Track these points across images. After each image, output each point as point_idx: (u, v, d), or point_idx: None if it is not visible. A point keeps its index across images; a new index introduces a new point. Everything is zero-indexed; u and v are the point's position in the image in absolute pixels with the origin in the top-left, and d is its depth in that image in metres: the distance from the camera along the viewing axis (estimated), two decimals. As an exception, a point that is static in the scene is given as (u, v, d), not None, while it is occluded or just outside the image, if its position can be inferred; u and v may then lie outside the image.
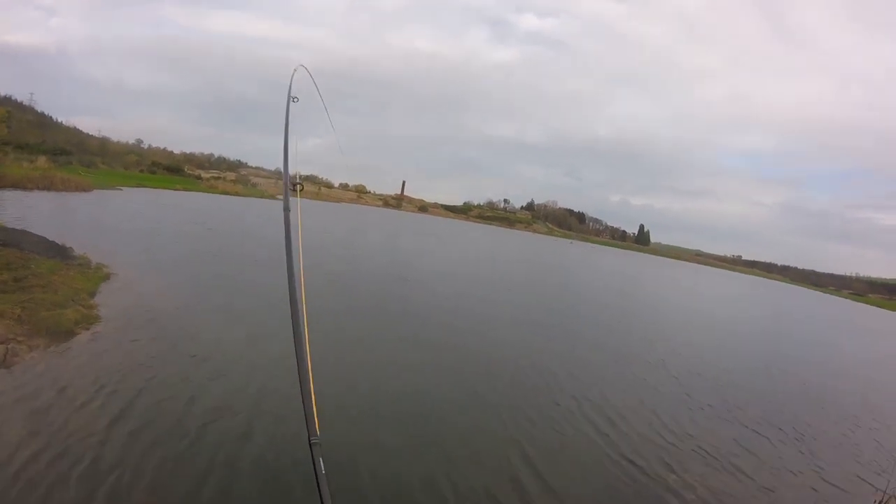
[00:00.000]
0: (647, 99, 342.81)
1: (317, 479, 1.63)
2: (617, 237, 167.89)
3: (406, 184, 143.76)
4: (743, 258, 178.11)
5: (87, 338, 8.81)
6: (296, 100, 3.70)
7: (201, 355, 8.99)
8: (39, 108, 67.52)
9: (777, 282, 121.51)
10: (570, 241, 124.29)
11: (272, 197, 69.04)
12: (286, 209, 2.58)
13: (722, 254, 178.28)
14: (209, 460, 5.82)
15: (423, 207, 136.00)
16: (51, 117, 69.36)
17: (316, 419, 1.79)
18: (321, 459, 1.68)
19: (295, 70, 4.13)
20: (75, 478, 5.07)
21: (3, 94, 62.75)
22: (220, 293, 13.48)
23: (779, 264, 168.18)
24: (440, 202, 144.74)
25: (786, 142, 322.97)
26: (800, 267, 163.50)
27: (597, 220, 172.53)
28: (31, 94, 67.35)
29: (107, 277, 12.60)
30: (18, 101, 65.58)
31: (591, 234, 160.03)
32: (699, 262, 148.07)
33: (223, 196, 58.13)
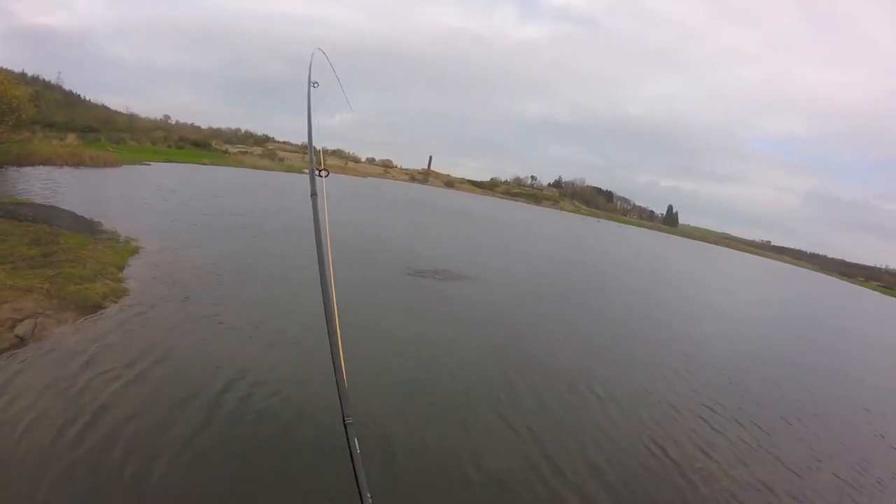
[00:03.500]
0: (678, 79, 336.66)
1: (352, 458, 1.68)
2: (645, 217, 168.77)
3: (433, 159, 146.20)
4: (772, 244, 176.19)
5: (116, 311, 9.21)
6: (316, 84, 3.80)
7: (228, 327, 9.32)
8: (67, 87, 70.11)
9: (806, 269, 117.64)
10: (597, 219, 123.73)
11: (299, 171, 70.85)
12: (313, 194, 2.66)
13: (751, 238, 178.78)
14: (230, 435, 6.06)
15: (450, 183, 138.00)
16: (79, 96, 72.11)
17: (343, 400, 1.86)
18: (356, 439, 1.73)
19: (313, 54, 4.18)
20: (99, 449, 5.36)
21: (31, 74, 65.31)
22: (248, 267, 13.81)
23: (808, 252, 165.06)
24: (467, 178, 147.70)
25: (817, 128, 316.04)
26: (829, 255, 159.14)
27: (625, 200, 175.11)
28: (59, 73, 69.90)
29: (135, 251, 13.06)
30: (46, 80, 68.21)
31: (619, 214, 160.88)
32: (728, 246, 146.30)
33: (250, 170, 59.25)
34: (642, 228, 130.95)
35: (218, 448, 5.75)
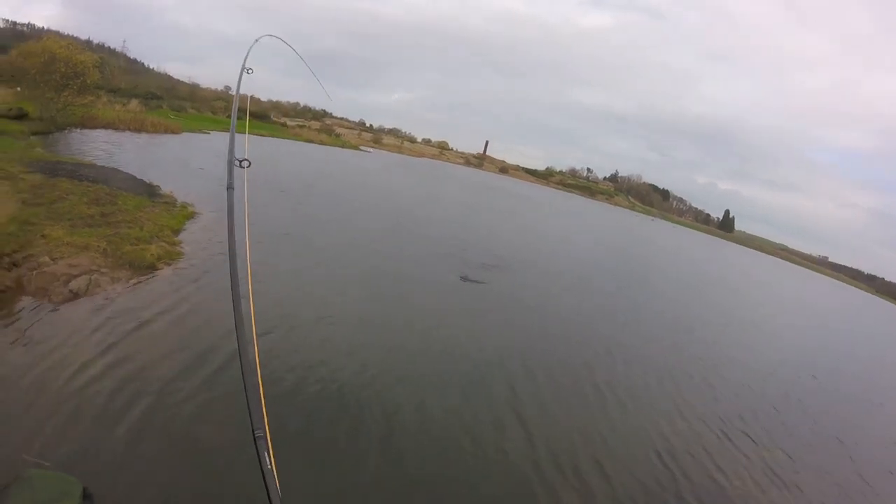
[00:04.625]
0: (743, 79, 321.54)
1: (263, 474, 1.55)
2: (700, 220, 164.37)
3: (489, 144, 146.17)
4: (829, 260, 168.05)
5: (169, 273, 9.43)
6: (250, 71, 3.87)
7: (277, 298, 9.42)
8: (132, 56, 72.89)
9: (862, 291, 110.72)
10: (651, 218, 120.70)
11: (355, 147, 71.77)
12: (229, 188, 2.47)
13: (808, 252, 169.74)
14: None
15: (504, 169, 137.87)
16: (143, 63, 74.89)
17: (265, 412, 1.73)
18: (266, 454, 1.61)
19: (256, 40, 4.25)
20: (141, 405, 5.54)
21: (97, 41, 68.19)
22: (302, 238, 13.90)
23: (865, 272, 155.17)
24: (521, 165, 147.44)
25: (886, 143, 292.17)
26: (887, 279, 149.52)
27: (681, 200, 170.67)
28: (124, 41, 72.58)
29: (191, 216, 13.33)
30: (112, 48, 71.12)
31: (674, 214, 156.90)
32: (784, 258, 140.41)
33: (307, 144, 60.16)
34: (697, 231, 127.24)
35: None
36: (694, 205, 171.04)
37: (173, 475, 4.74)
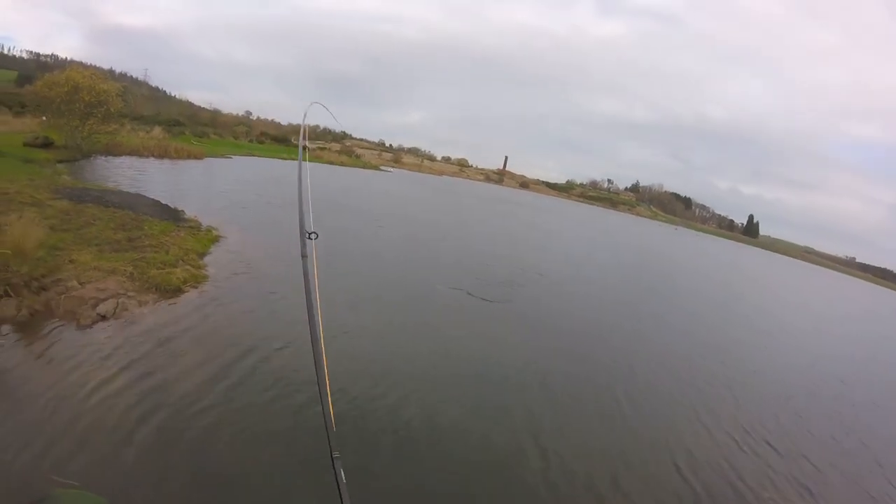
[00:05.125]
0: (761, 80, 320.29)
1: (339, 490, 1.74)
2: (724, 226, 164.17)
3: (508, 159, 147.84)
4: (857, 260, 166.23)
5: (194, 296, 9.58)
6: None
7: (302, 322, 9.38)
8: (153, 84, 75.14)
9: (892, 291, 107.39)
10: (674, 227, 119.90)
11: (375, 168, 72.79)
12: (304, 256, 2.71)
13: (834, 253, 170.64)
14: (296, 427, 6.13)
15: (525, 184, 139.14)
16: (164, 91, 77.03)
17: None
18: (342, 470, 1.81)
19: (310, 104, 4.54)
20: (162, 426, 5.61)
21: (119, 70, 70.43)
22: (330, 262, 13.95)
23: (894, 271, 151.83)
24: (542, 179, 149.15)
25: None
26: None
27: (703, 207, 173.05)
28: (146, 70, 74.79)
29: (216, 240, 13.54)
30: (134, 77, 73.36)
31: (697, 222, 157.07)
32: (810, 261, 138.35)
33: (328, 165, 60.94)
34: (721, 238, 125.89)
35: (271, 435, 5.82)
36: (717, 211, 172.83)
37: (197, 494, 4.83)
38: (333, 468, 1.81)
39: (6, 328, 7.05)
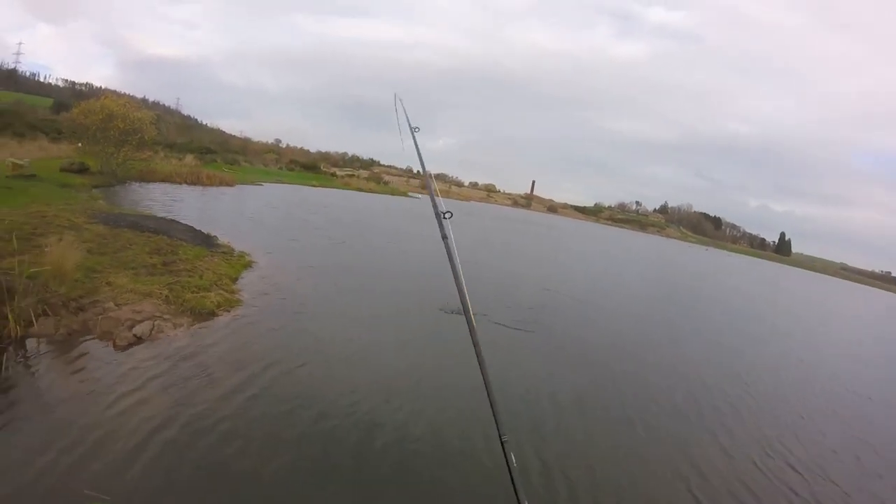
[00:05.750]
0: (786, 93, 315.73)
1: (511, 474, 1.93)
2: (756, 245, 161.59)
3: (535, 184, 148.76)
4: (893, 275, 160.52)
5: (228, 320, 9.74)
6: (417, 129, 4.30)
7: (337, 345, 9.69)
8: (185, 112, 77.56)
9: None
10: (705, 247, 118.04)
11: (404, 194, 73.64)
12: (444, 237, 3.00)
13: (868, 268, 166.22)
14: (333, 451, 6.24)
15: (553, 208, 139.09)
16: (196, 119, 79.42)
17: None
18: (513, 455, 2.00)
19: (400, 100, 4.45)
20: (203, 449, 5.69)
21: (152, 99, 72.87)
22: (361, 290, 14.11)
23: None
24: (569, 202, 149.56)
25: None
26: None
27: (733, 226, 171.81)
28: (178, 99, 77.43)
29: (249, 265, 13.77)
30: (167, 105, 75.85)
31: (728, 241, 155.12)
32: (844, 277, 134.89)
33: (357, 192, 61.66)
34: (753, 258, 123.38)
35: (311, 464, 5.88)
36: (747, 230, 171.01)
37: None
38: (504, 451, 2.00)
39: (45, 346, 7.28)
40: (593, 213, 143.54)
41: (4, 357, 6.65)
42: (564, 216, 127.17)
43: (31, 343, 7.27)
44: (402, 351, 10.10)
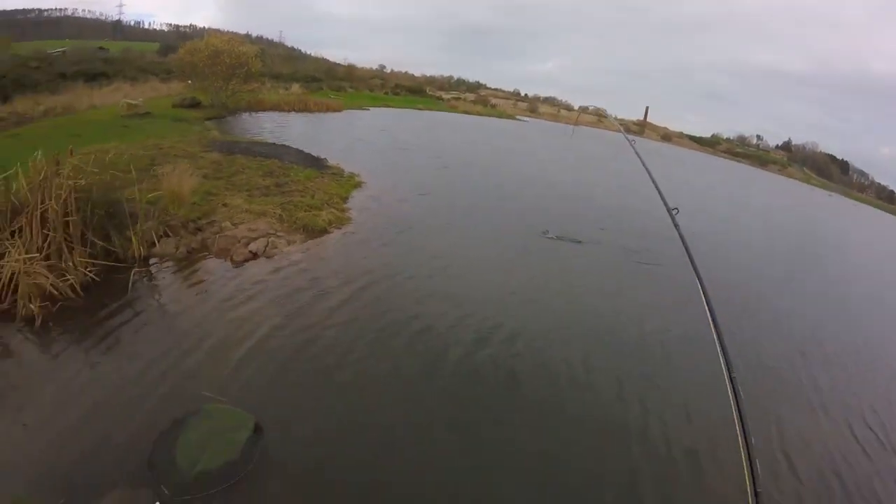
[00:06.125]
0: None
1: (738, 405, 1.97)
2: (884, 197, 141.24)
3: (649, 110, 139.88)
4: None
5: (338, 236, 9.96)
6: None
7: (442, 263, 9.68)
8: (289, 45, 78.66)
9: None
10: (828, 193, 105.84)
11: (511, 117, 71.81)
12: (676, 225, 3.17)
13: None
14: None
15: (667, 136, 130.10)
16: (300, 50, 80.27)
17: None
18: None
19: None
20: (310, 358, 5.95)
21: (255, 34, 74.54)
22: (466, 211, 13.91)
23: None
24: (684, 132, 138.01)
25: None
26: None
27: (862, 174, 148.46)
28: (280, 32, 78.53)
29: (358, 185, 13.88)
30: (270, 39, 77.28)
31: (854, 188, 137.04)
32: None
33: (464, 115, 60.73)
34: (880, 210, 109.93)
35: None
36: (877, 179, 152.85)
37: (332, 416, 5.11)
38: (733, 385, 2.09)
39: (166, 264, 7.68)
40: (710, 143, 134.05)
41: (131, 274, 7.04)
42: (679, 146, 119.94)
43: (153, 262, 7.69)
44: (504, 271, 9.95)
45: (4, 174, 6.91)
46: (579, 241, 12.50)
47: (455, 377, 5.99)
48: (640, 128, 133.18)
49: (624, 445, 5.32)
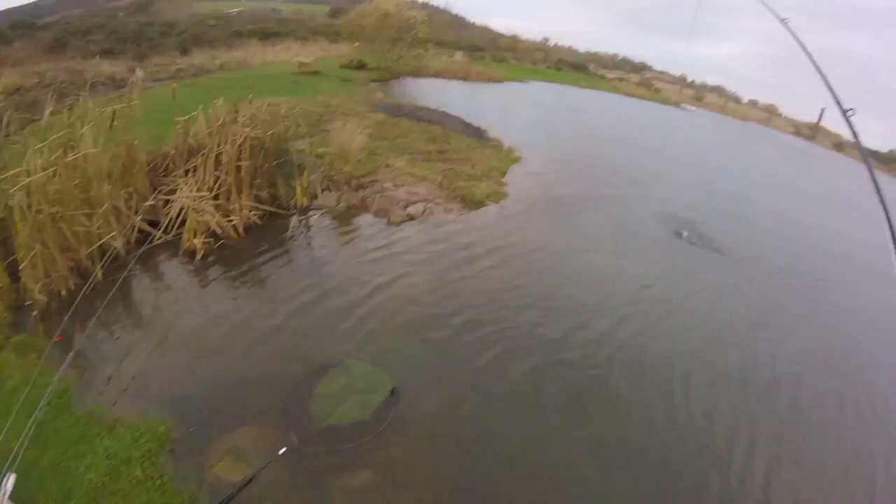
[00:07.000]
0: None
1: None
2: None
3: (824, 113, 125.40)
4: None
5: (494, 210, 9.97)
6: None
7: (589, 251, 9.38)
8: (454, 11, 79.46)
9: None
10: None
11: (675, 104, 67.84)
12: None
13: None
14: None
15: (840, 146, 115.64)
16: (464, 18, 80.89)
17: None
18: None
19: None
20: (454, 326, 6.09)
21: (421, 0, 75.88)
22: (620, 199, 13.18)
23: None
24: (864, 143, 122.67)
25: None
26: None
27: None
28: (446, -1, 79.30)
29: (517, 160, 13.75)
30: (436, 5, 78.53)
31: None
32: None
33: (627, 97, 58.61)
34: None
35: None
36: None
37: (458, 386, 5.25)
38: None
39: (326, 216, 8.21)
40: (887, 160, 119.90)
41: (292, 220, 7.70)
42: (853, 158, 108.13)
43: (313, 213, 8.22)
44: (645, 263, 9.29)
45: (186, 116, 7.57)
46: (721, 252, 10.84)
47: (577, 366, 5.91)
48: (813, 132, 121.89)
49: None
